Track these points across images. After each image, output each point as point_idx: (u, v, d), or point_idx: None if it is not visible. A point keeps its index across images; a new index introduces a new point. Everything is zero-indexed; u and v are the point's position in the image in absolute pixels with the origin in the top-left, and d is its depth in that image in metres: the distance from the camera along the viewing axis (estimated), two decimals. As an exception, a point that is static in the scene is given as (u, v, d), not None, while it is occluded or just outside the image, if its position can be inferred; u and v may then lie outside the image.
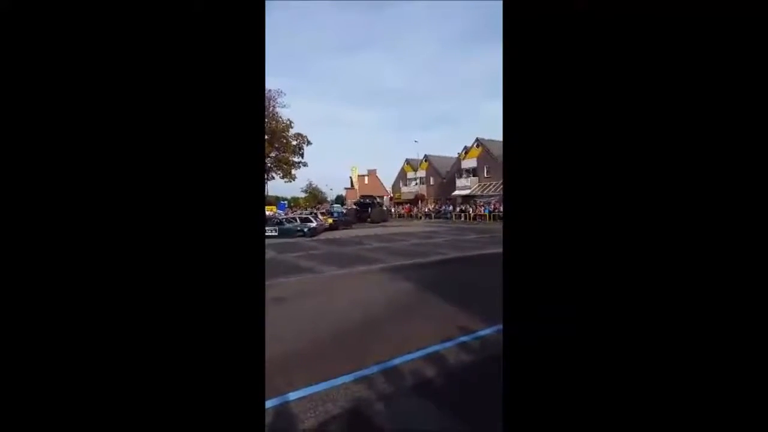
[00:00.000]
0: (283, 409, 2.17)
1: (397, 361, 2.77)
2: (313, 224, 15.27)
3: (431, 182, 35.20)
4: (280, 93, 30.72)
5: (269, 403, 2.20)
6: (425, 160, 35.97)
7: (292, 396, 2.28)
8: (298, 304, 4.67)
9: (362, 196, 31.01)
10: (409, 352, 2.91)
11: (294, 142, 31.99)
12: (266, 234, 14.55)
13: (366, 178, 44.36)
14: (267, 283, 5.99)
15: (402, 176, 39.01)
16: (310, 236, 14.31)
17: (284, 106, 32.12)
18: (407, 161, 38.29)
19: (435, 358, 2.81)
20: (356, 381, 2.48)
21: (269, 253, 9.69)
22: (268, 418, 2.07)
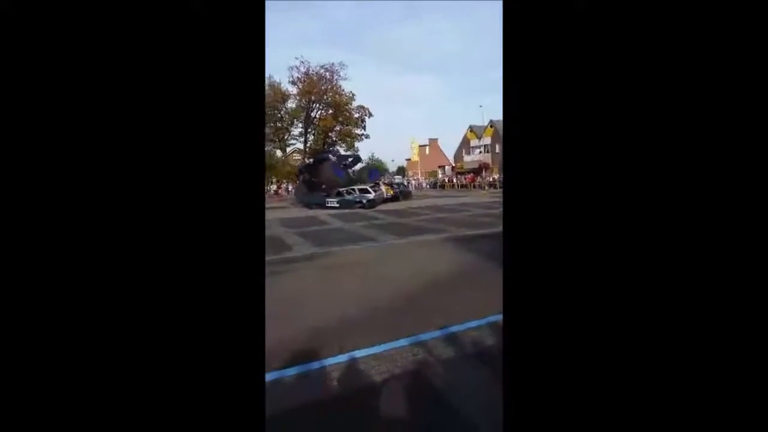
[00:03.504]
0: (351, 364, 2.38)
1: (457, 328, 2.83)
2: (372, 195, 15.52)
3: (497, 150, 33.35)
4: (342, 66, 30.85)
5: (336, 359, 2.43)
6: (490, 126, 33.97)
7: (358, 354, 2.49)
8: (360, 271, 4.92)
9: (320, 153, 21.45)
10: (469, 320, 2.94)
11: (356, 115, 32.30)
12: (328, 205, 15.27)
13: (427, 148, 43.51)
14: (334, 249, 6.39)
15: (465, 144, 37.48)
16: (369, 207, 14.63)
17: (346, 79, 32.25)
18: (470, 128, 36.53)
19: (495, 327, 2.82)
20: (416, 344, 2.60)
21: (336, 223, 10.21)
22: (336, 373, 2.30)
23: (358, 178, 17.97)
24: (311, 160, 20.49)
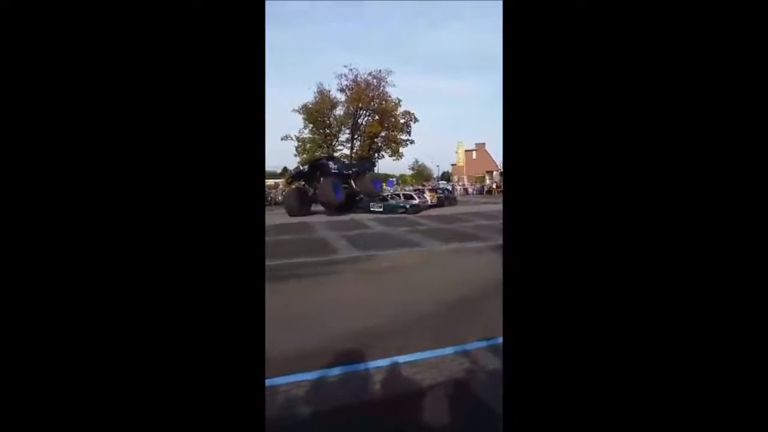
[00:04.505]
0: (393, 369, 2.37)
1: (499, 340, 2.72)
2: (416, 201, 15.52)
3: (549, 155, 31.56)
4: (389, 72, 31.28)
5: (377, 363, 2.44)
6: (542, 131, 32.31)
7: (401, 359, 2.47)
8: (404, 275, 4.91)
9: (314, 161, 17.39)
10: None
11: (402, 120, 32.50)
12: (372, 209, 15.45)
13: (474, 153, 42.54)
14: (378, 253, 6.45)
15: (514, 149, 35.95)
16: (412, 212, 14.59)
17: (393, 85, 32.59)
18: (520, 133, 34.99)
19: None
20: (460, 353, 2.53)
21: (379, 228, 10.31)
22: (379, 376, 2.30)
23: (363, 189, 15.85)
24: (305, 167, 16.41)
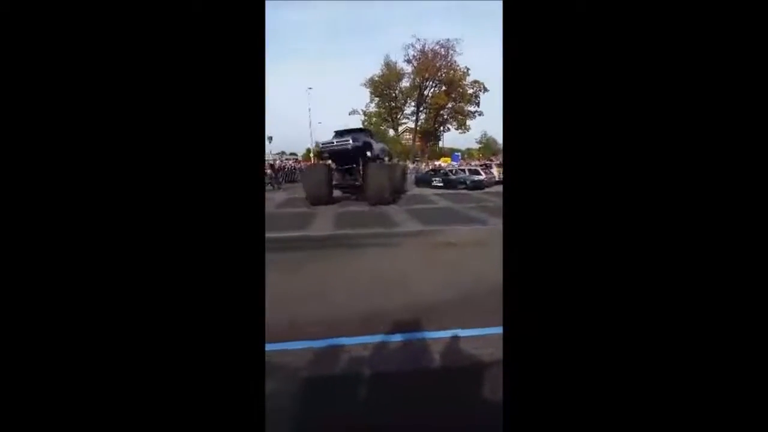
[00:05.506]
0: (452, 342, 2.42)
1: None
2: (481, 177, 14.91)
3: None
4: (458, 41, 29.59)
5: (437, 334, 2.50)
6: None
7: (462, 333, 2.50)
8: (466, 251, 4.86)
9: (347, 131, 12.07)
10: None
11: (470, 91, 30.94)
12: (434, 184, 15.25)
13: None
14: (442, 228, 6.42)
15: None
16: (475, 188, 14.09)
17: (461, 54, 30.87)
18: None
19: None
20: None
21: (442, 203, 10.19)
22: (438, 347, 2.36)
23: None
24: (355, 141, 10.78)
